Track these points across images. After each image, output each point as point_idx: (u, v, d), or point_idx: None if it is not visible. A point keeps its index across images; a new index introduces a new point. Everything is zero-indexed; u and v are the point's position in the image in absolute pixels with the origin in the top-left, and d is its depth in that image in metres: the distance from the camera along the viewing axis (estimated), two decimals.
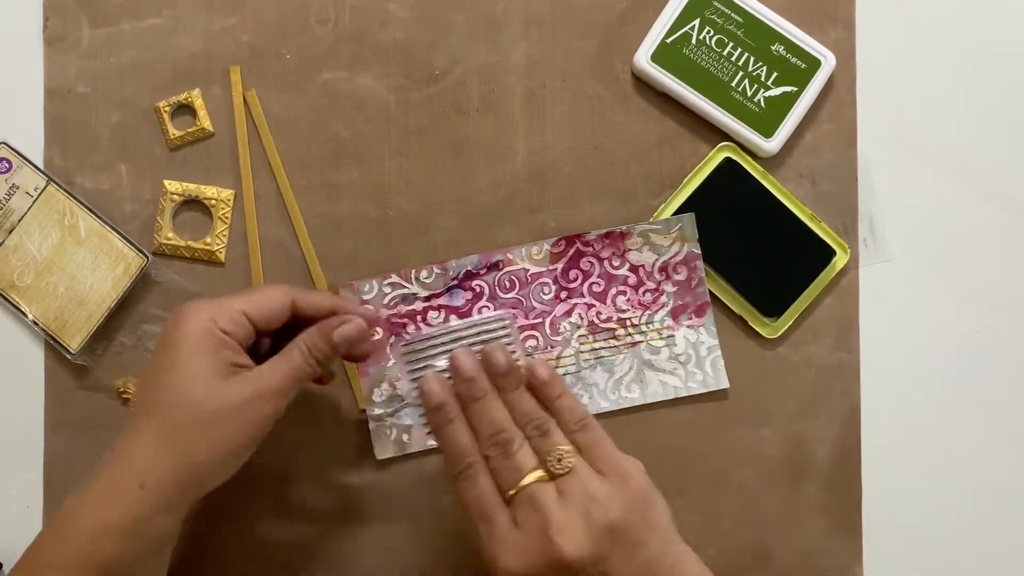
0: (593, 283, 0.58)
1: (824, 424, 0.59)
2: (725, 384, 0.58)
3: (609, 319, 0.58)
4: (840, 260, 0.59)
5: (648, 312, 0.58)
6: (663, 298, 0.58)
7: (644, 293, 0.58)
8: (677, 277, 0.58)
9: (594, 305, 0.58)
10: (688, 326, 0.58)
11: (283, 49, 0.59)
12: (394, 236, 0.59)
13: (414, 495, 0.59)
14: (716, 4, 0.58)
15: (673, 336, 0.58)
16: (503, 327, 0.52)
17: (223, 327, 0.48)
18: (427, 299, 0.58)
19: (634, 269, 0.58)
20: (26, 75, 0.59)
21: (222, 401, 0.47)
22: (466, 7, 0.59)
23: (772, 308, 0.58)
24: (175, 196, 0.59)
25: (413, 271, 0.58)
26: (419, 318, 0.58)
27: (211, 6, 0.59)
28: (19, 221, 0.58)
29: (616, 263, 0.58)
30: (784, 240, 0.58)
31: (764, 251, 0.58)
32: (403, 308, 0.58)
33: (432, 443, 0.58)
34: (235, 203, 0.59)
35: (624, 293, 0.58)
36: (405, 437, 0.58)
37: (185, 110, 0.59)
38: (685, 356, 0.58)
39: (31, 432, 0.59)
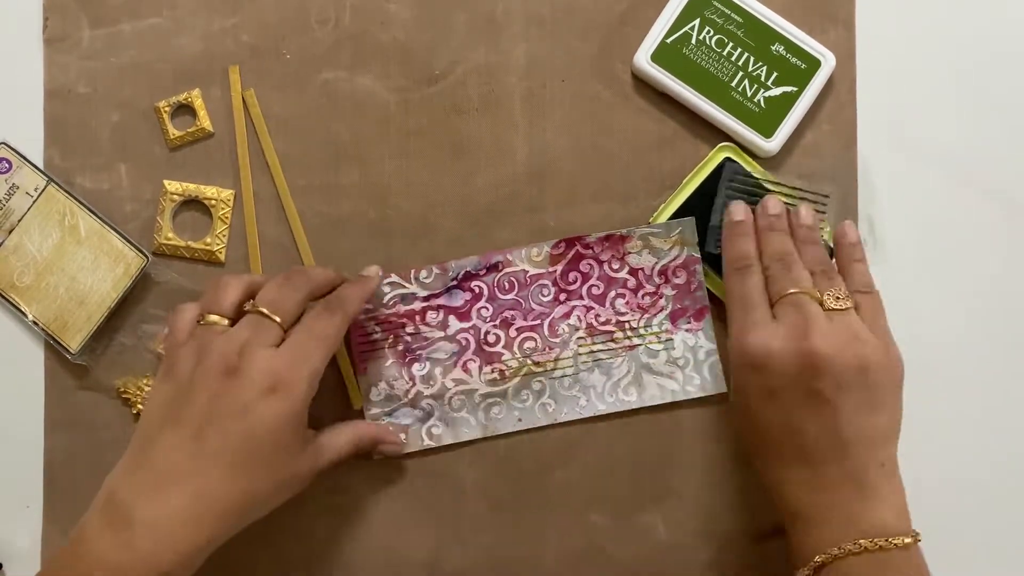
0: (592, 285, 0.58)
1: None
2: (723, 388, 0.58)
3: (608, 322, 0.58)
4: None
5: (647, 315, 0.58)
6: (662, 301, 0.58)
7: (643, 296, 0.58)
8: (676, 281, 0.58)
9: (593, 307, 0.58)
10: (687, 330, 0.58)
11: (283, 49, 0.59)
12: (394, 236, 0.59)
13: (411, 494, 0.59)
14: (716, 4, 0.58)
15: (671, 340, 0.58)
16: (823, 204, 0.56)
17: (313, 390, 0.50)
18: (426, 299, 0.58)
19: (633, 272, 0.58)
20: (26, 75, 0.59)
21: (296, 473, 0.50)
22: (466, 7, 0.59)
23: None
24: (175, 196, 0.59)
25: (413, 271, 0.58)
26: (417, 318, 0.58)
27: (211, 6, 0.59)
28: (19, 221, 0.58)
29: (616, 266, 0.58)
30: None
31: None
32: (402, 308, 0.58)
33: (429, 443, 0.58)
34: (235, 203, 0.59)
35: (623, 296, 0.58)
36: (402, 436, 0.58)
37: (185, 110, 0.59)
38: (683, 360, 0.58)
39: (31, 432, 0.59)
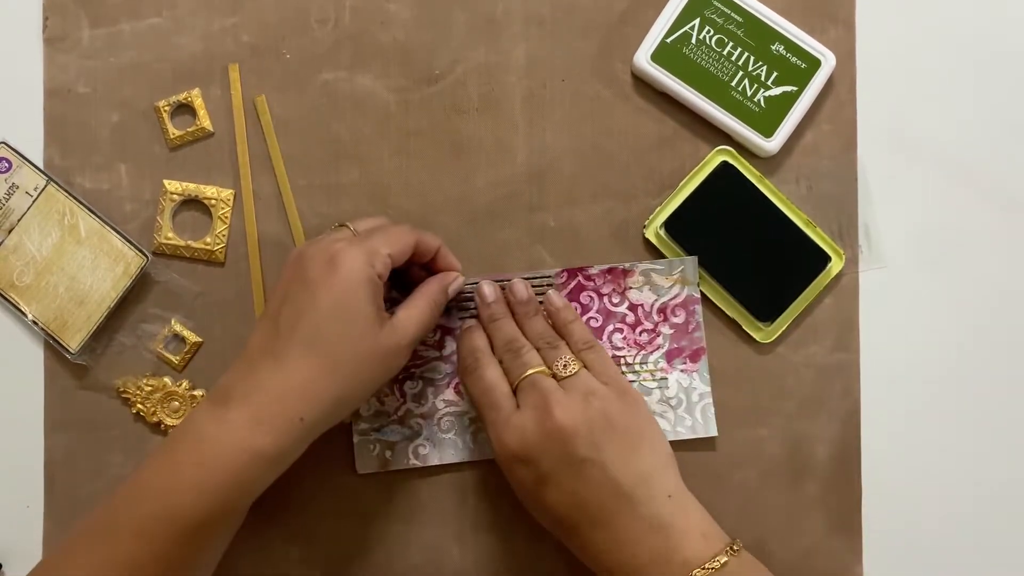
0: (591, 318, 0.58)
1: (824, 424, 0.59)
2: (714, 432, 0.58)
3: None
4: (835, 266, 0.58)
5: (643, 352, 0.58)
6: (659, 340, 0.58)
7: (641, 333, 0.58)
8: (675, 320, 0.58)
9: None
10: (682, 370, 0.58)
11: (283, 49, 0.59)
12: None
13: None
14: (716, 4, 0.58)
15: (666, 379, 0.58)
16: (548, 283, 0.58)
17: (378, 271, 0.50)
18: None
19: (633, 308, 0.58)
20: (26, 75, 0.59)
21: (378, 346, 0.50)
22: (466, 7, 0.59)
23: (766, 313, 0.58)
24: (175, 196, 0.59)
25: None
26: None
27: (211, 6, 0.59)
28: (19, 221, 0.58)
29: (616, 300, 0.58)
30: (779, 245, 0.58)
31: (759, 256, 0.58)
32: None
33: (415, 462, 0.58)
34: (235, 203, 0.59)
35: (621, 331, 0.58)
36: (388, 454, 0.58)
37: (185, 110, 0.59)
38: (676, 400, 0.58)
39: (31, 432, 0.59)
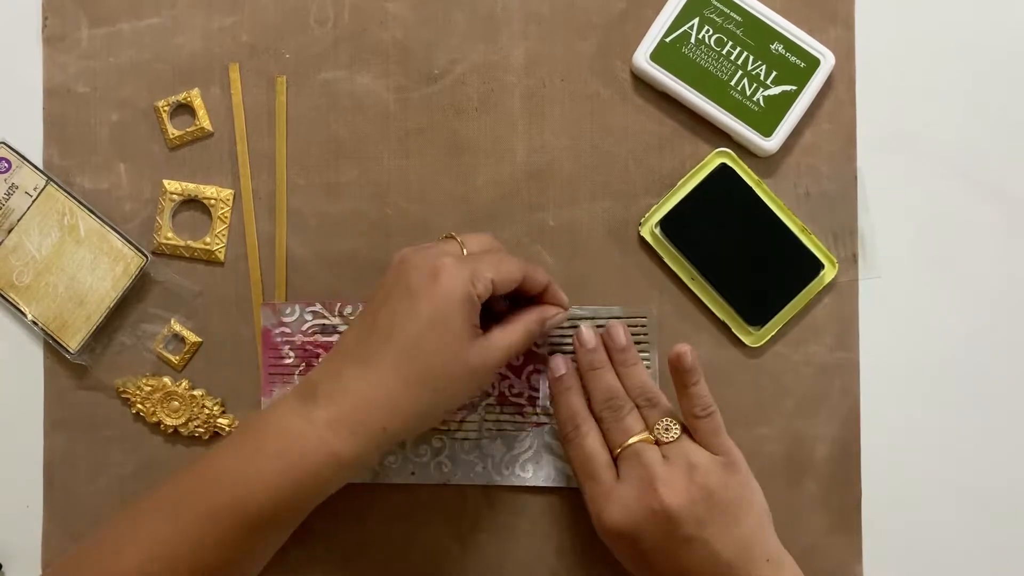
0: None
1: (823, 422, 0.59)
2: None
3: (520, 394, 0.58)
4: (828, 274, 0.58)
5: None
6: None
7: None
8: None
9: (508, 377, 0.58)
10: None
11: (282, 49, 0.59)
12: (393, 236, 0.59)
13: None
14: (715, 3, 0.58)
15: None
16: (642, 324, 0.57)
17: (479, 292, 0.49)
18: None
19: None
20: (25, 75, 0.59)
21: (468, 363, 0.49)
22: (465, 6, 0.59)
23: (756, 317, 0.58)
24: (174, 196, 0.59)
25: (338, 304, 0.58)
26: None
27: (210, 5, 0.59)
28: (18, 221, 0.58)
29: (539, 343, 0.58)
30: (773, 250, 0.58)
31: (753, 260, 0.58)
32: (320, 338, 0.58)
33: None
34: (234, 203, 0.59)
35: (540, 372, 0.58)
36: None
37: (184, 110, 0.59)
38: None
39: (30, 432, 0.59)
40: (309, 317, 0.58)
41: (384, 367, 0.48)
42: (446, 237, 0.53)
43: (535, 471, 0.58)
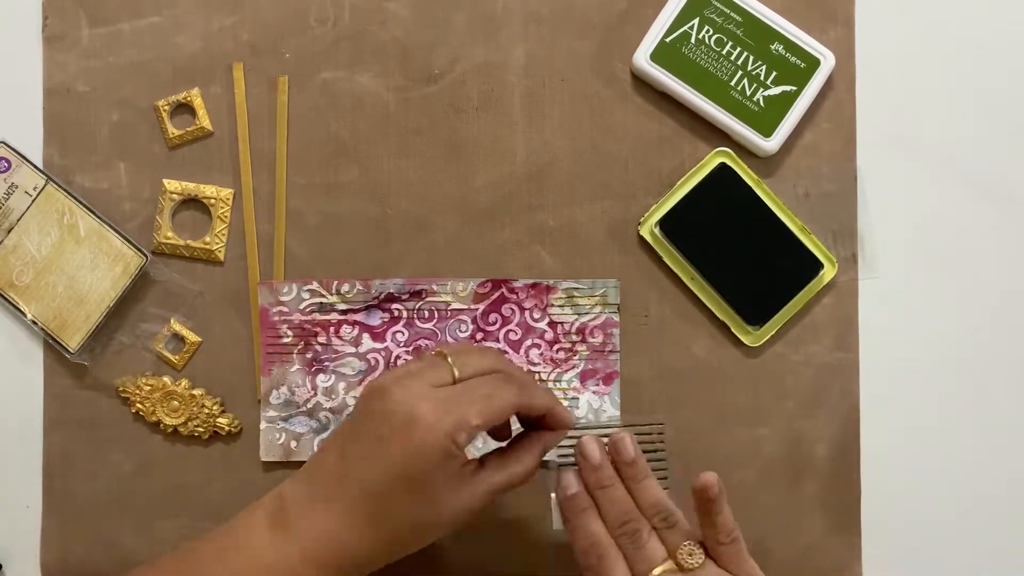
0: (510, 331, 0.58)
1: (823, 423, 0.59)
2: None
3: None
4: (827, 274, 0.58)
5: (558, 370, 0.58)
6: (575, 359, 0.58)
7: (558, 351, 0.58)
8: (592, 341, 0.58)
9: (507, 352, 0.58)
10: (594, 392, 0.58)
11: (282, 48, 0.59)
12: (393, 235, 0.59)
13: None
14: (715, 3, 0.58)
15: (577, 399, 0.58)
16: (658, 432, 0.52)
17: (460, 443, 0.45)
18: (344, 312, 0.58)
19: (553, 325, 0.58)
20: (25, 74, 0.59)
21: (440, 519, 0.47)
22: (466, 6, 0.59)
23: (755, 316, 0.58)
24: (174, 195, 0.59)
25: (335, 282, 0.58)
26: (332, 330, 0.58)
27: (210, 5, 0.59)
28: (18, 220, 0.58)
29: (536, 316, 0.58)
30: (773, 250, 0.58)
31: (752, 259, 0.58)
32: (318, 316, 0.58)
33: None
34: (234, 202, 0.59)
35: (538, 347, 0.58)
36: (293, 444, 0.58)
37: (184, 109, 0.59)
38: (584, 421, 0.58)
39: (30, 432, 0.59)
40: (306, 295, 0.58)
41: (356, 514, 0.46)
42: (436, 354, 0.48)
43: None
